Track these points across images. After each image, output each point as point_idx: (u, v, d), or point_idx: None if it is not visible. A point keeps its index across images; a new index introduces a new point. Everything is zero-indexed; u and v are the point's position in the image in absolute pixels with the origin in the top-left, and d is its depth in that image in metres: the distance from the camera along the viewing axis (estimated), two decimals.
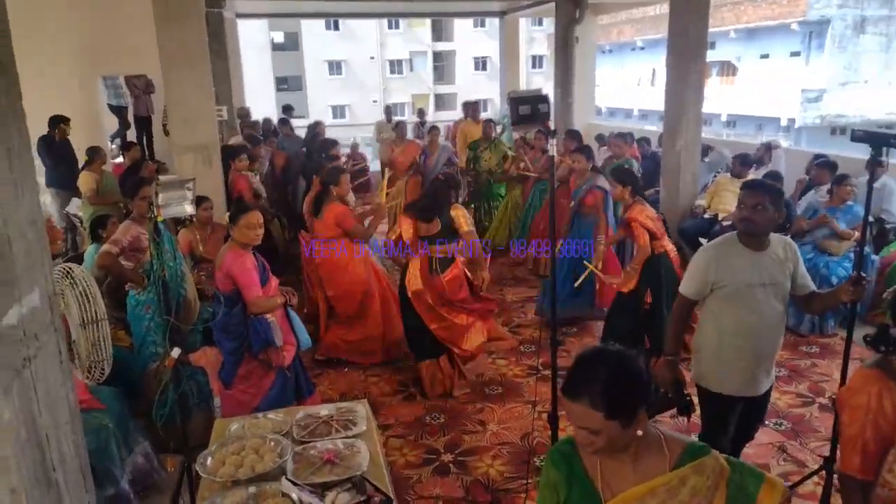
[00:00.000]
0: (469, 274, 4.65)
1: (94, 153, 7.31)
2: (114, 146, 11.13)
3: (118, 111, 11.47)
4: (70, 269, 2.85)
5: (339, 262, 5.03)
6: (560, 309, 5.71)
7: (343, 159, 9.64)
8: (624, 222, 4.70)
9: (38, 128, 7.37)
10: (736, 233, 2.87)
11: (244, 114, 10.24)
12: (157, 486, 3.66)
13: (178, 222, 4.95)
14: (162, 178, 2.75)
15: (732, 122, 25.90)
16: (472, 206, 8.63)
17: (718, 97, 22.98)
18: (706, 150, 7.57)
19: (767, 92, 23.43)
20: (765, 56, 24.70)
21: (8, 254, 1.36)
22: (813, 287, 2.93)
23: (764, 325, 2.80)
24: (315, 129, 9.53)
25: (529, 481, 3.61)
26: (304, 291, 5.65)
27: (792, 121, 23.33)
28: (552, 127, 2.83)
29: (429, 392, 4.63)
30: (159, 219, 2.77)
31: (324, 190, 5.10)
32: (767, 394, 3.03)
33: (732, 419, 2.94)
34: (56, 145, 7.80)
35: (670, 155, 6.80)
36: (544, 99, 2.73)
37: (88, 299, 2.87)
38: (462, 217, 4.55)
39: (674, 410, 2.92)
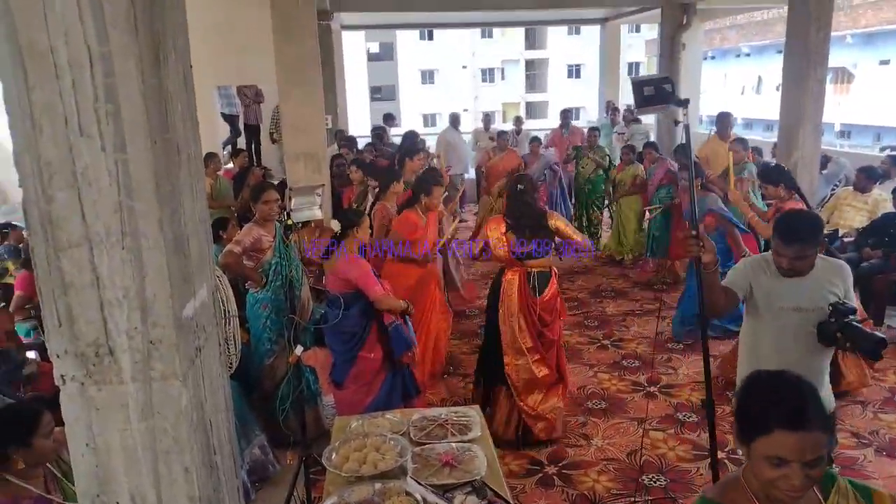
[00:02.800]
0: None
1: (209, 159, 7.75)
2: (225, 152, 11.76)
3: (230, 119, 12.13)
4: None
5: (392, 269, 4.64)
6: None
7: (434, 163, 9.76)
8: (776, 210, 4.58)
9: None
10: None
11: (343, 136, 10.61)
12: (272, 478, 3.83)
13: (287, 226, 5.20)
14: (295, 185, 2.89)
15: (847, 132, 24.35)
16: (575, 212, 8.78)
17: (832, 106, 21.70)
18: (824, 161, 7.16)
19: (887, 100, 21.85)
20: (885, 62, 23.09)
21: (187, 251, 1.47)
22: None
23: (801, 351, 2.63)
24: (413, 138, 9.70)
25: (639, 500, 3.52)
26: None
27: None
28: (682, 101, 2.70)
29: (500, 429, 4.08)
30: (289, 222, 2.90)
31: (414, 197, 4.79)
32: None
33: None
34: None
35: (786, 166, 6.46)
36: (667, 80, 2.65)
37: (220, 297, 3.06)
38: (564, 226, 4.06)
39: None
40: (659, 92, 2.63)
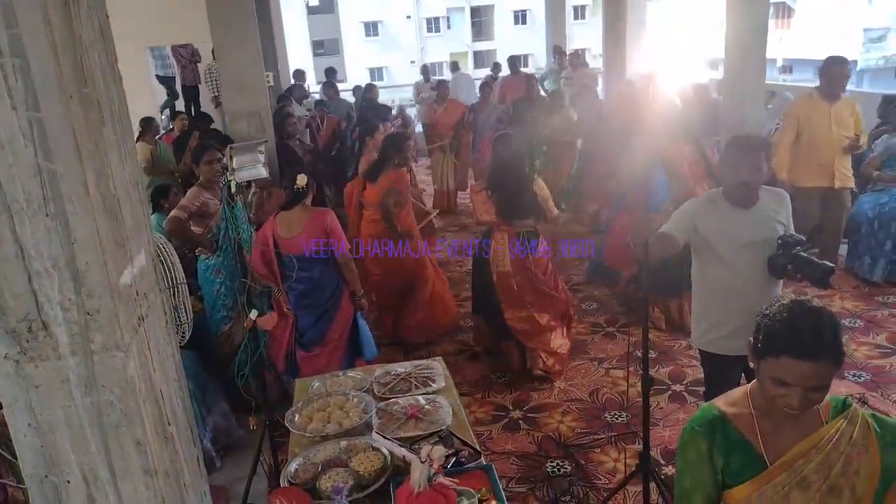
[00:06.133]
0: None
1: (148, 124, 7.43)
2: (163, 116, 11.30)
3: (166, 81, 11.61)
4: None
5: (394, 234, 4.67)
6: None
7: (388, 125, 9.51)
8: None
9: None
10: (721, 190, 2.77)
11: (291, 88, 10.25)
12: (237, 444, 3.80)
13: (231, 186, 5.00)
14: (235, 143, 2.76)
15: (789, 66, 24.81)
16: None
17: (774, 41, 22.06)
18: (770, 95, 7.25)
19: (826, 33, 22.30)
20: None
21: (119, 215, 1.38)
22: None
23: (754, 284, 2.69)
24: (368, 92, 9.47)
25: (602, 436, 3.61)
26: None
27: (853, 63, 22.22)
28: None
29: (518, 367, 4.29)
30: (232, 182, 2.79)
31: (385, 157, 4.83)
32: None
33: (733, 380, 2.86)
34: None
35: (731, 102, 6.53)
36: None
37: (166, 265, 2.94)
38: (547, 198, 4.10)
39: None
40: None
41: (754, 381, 1.61)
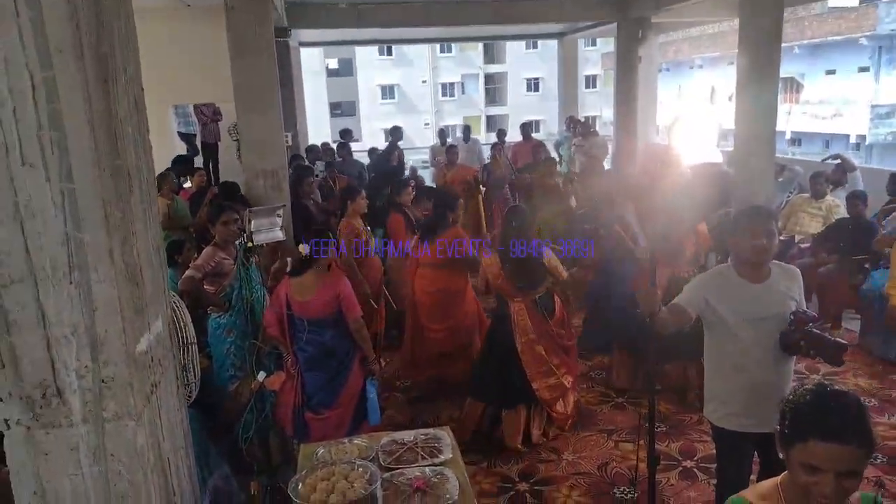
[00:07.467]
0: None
1: (164, 179, 7.57)
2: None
3: (187, 138, 11.91)
4: None
5: (455, 293, 4.83)
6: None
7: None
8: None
9: None
10: (732, 265, 2.77)
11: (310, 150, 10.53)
12: None
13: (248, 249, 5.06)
14: (254, 207, 2.81)
15: (797, 139, 25.17)
16: None
17: (782, 114, 22.47)
18: (780, 169, 7.33)
19: (834, 109, 22.70)
20: (831, 72, 23.99)
21: (140, 282, 1.41)
22: None
23: (765, 359, 2.66)
24: (392, 152, 9.74)
25: None
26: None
27: (861, 138, 22.51)
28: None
29: (511, 441, 4.17)
30: (249, 244, 2.82)
31: (441, 214, 4.91)
32: None
33: (745, 456, 2.79)
34: None
35: (742, 175, 6.61)
36: None
37: (178, 323, 2.95)
38: (556, 265, 4.20)
39: None
40: None
41: (785, 472, 1.57)
